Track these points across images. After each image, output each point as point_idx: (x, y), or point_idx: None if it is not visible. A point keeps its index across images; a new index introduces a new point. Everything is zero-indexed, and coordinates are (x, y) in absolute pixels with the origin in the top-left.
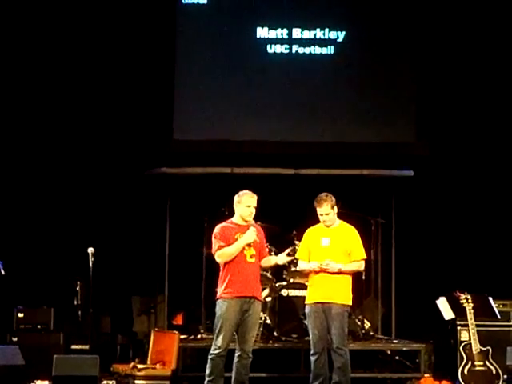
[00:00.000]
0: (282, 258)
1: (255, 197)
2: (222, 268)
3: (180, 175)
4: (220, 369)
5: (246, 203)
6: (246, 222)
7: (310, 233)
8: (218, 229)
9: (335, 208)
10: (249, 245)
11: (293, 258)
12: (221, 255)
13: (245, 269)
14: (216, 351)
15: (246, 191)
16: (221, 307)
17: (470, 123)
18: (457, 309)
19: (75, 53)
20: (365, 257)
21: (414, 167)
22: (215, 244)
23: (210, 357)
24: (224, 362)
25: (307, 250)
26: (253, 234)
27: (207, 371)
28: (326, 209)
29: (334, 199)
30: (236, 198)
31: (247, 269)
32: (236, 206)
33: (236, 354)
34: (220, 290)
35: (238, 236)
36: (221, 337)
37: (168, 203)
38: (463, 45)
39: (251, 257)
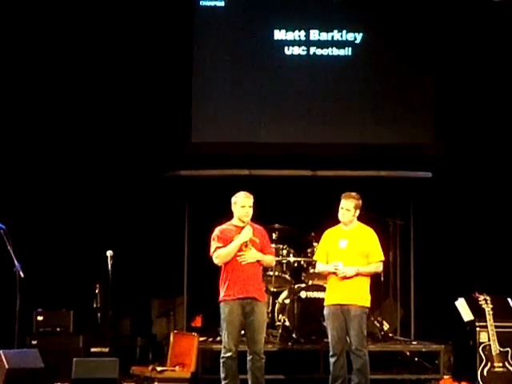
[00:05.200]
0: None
1: (250, 197)
2: (222, 270)
3: (197, 177)
4: (233, 371)
5: (240, 204)
6: (244, 222)
7: (328, 234)
8: (216, 231)
9: (357, 210)
10: (246, 245)
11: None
12: (218, 256)
13: (243, 270)
14: (226, 354)
15: (242, 192)
16: (223, 310)
17: (488, 124)
18: (476, 310)
19: (94, 55)
20: (383, 258)
21: (431, 168)
22: (213, 246)
23: (221, 360)
24: (236, 363)
25: (325, 251)
26: (248, 233)
27: (222, 375)
28: (349, 205)
29: (360, 202)
30: (233, 199)
31: (246, 270)
32: (233, 208)
33: (248, 358)
34: (221, 293)
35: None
36: (228, 339)
37: (186, 205)
38: (482, 46)
39: None
